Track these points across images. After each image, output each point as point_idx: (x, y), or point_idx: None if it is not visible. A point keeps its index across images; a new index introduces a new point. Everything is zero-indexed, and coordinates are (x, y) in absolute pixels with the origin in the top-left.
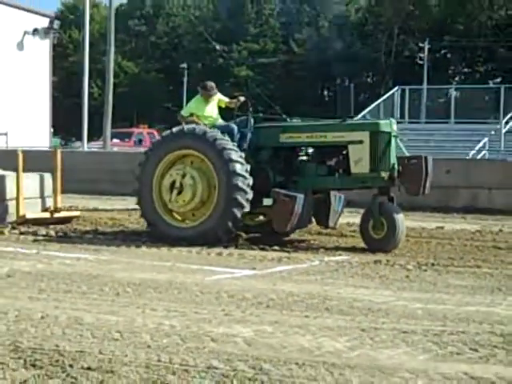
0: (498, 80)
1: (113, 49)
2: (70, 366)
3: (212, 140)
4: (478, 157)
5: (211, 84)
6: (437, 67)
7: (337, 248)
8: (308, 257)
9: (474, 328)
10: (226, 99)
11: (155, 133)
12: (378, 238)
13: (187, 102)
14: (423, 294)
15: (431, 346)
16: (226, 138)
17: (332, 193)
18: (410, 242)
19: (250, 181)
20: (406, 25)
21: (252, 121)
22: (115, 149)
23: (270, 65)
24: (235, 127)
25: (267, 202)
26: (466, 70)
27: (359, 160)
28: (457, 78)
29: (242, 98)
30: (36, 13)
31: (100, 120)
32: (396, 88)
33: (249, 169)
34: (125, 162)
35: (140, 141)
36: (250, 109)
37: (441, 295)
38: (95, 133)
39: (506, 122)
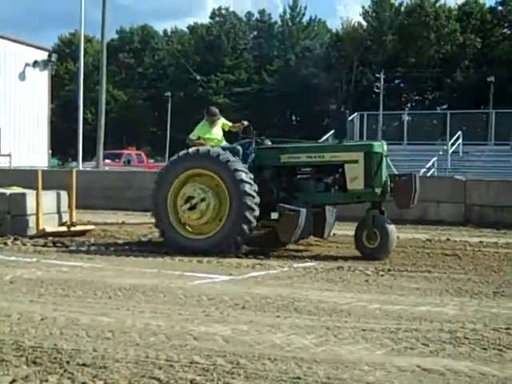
0: (445, 106)
1: (104, 79)
2: (67, 362)
3: (225, 161)
4: (428, 174)
5: (215, 110)
6: (391, 95)
7: (304, 256)
8: (279, 264)
9: (425, 326)
10: (230, 123)
11: (143, 154)
12: (371, 248)
13: (171, 127)
14: (381, 295)
15: (388, 342)
16: (237, 159)
17: (326, 207)
18: None
19: (258, 200)
20: (364, 58)
21: (254, 143)
22: (107, 168)
23: (244, 93)
24: (240, 149)
25: (274, 215)
26: (416, 97)
27: (355, 177)
28: (409, 105)
29: (246, 123)
30: (36, 47)
31: (93, 142)
32: (355, 114)
33: (257, 189)
34: (115, 179)
35: (129, 161)
36: (254, 132)
37: (396, 297)
38: (89, 154)
39: (452, 144)
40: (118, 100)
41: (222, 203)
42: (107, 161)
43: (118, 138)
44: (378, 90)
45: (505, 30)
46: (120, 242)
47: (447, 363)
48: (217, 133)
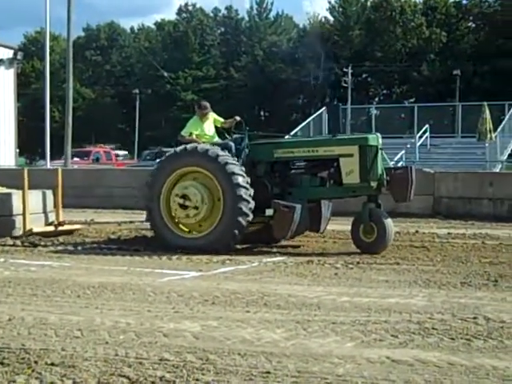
0: (412, 100)
1: (71, 77)
2: (35, 362)
3: (223, 163)
4: None
5: (205, 103)
6: (359, 89)
7: (274, 251)
8: (248, 259)
9: (394, 317)
10: (221, 119)
11: (111, 151)
12: (368, 242)
13: (139, 124)
14: (350, 288)
15: (357, 335)
16: (235, 160)
17: (322, 201)
18: (338, 244)
19: (252, 205)
20: (331, 52)
21: (247, 138)
22: (75, 166)
23: (212, 89)
24: (233, 144)
25: (269, 212)
26: (384, 91)
27: (350, 171)
28: (376, 99)
29: (238, 118)
30: (1, 45)
31: (61, 141)
32: (324, 108)
33: (252, 194)
34: (84, 178)
35: (97, 159)
36: (247, 128)
37: (365, 289)
38: (57, 152)
39: (420, 137)
40: (86, 97)
41: (212, 213)
42: (75, 159)
43: (86, 136)
44: (345, 85)
45: (469, 24)
46: (89, 240)
47: (416, 354)
48: (208, 128)
